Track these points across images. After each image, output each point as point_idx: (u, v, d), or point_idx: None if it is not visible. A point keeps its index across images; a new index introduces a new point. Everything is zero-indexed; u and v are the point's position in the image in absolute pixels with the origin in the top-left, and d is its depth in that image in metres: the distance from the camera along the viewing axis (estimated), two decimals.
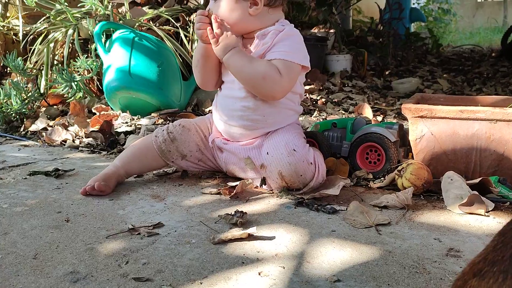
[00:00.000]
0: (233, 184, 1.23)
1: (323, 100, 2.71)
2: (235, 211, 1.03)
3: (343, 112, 2.46)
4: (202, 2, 3.75)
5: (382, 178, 1.30)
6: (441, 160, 1.22)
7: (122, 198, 1.21)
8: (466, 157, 1.19)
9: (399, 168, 1.20)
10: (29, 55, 2.34)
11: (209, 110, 2.21)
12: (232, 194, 1.18)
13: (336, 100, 2.78)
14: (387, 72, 3.98)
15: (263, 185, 1.24)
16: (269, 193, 1.23)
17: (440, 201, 1.14)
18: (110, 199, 1.20)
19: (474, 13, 13.55)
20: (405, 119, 2.34)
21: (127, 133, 1.86)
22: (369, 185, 1.28)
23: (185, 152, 1.33)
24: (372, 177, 1.32)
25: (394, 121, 2.26)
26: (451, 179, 1.12)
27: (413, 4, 7.96)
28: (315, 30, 3.79)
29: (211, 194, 1.22)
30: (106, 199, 1.20)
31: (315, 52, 3.28)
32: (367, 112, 2.28)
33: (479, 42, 9.36)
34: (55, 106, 2.31)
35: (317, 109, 2.50)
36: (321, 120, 2.04)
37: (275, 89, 1.21)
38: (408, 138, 1.45)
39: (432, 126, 1.20)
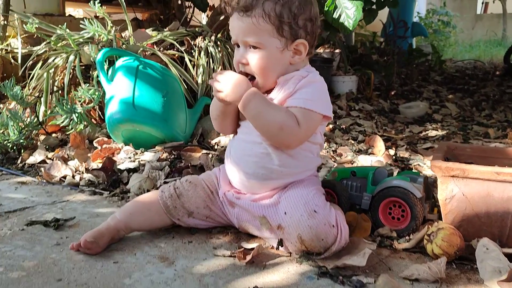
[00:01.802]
0: (248, 246, 1.14)
1: (331, 126, 2.63)
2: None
3: (353, 141, 2.37)
4: (204, 22, 3.69)
5: (408, 238, 1.22)
6: (473, 222, 1.13)
7: (128, 260, 1.11)
8: (501, 221, 1.10)
9: (429, 232, 1.11)
10: (28, 81, 2.25)
11: (215, 143, 2.12)
12: (248, 259, 1.08)
13: (344, 126, 2.69)
14: (392, 93, 3.91)
15: (280, 247, 1.15)
16: (287, 256, 1.14)
17: (475, 272, 1.05)
18: (114, 261, 1.11)
19: (474, 26, 13.57)
20: (417, 151, 2.27)
21: (130, 171, 1.77)
22: (393, 245, 1.20)
23: (192, 208, 1.24)
24: (396, 235, 1.23)
25: (407, 154, 2.18)
26: (487, 248, 1.03)
27: (415, 17, 7.93)
28: (320, 50, 3.72)
29: (225, 257, 1.13)
30: (111, 262, 1.10)
31: (321, 74, 3.20)
32: (379, 145, 2.20)
33: (480, 56, 9.35)
34: (54, 135, 2.21)
35: (325, 137, 2.41)
36: (335, 164, 1.95)
37: (290, 140, 1.15)
38: (433, 191, 1.37)
39: (464, 186, 1.12)
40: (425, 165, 2.02)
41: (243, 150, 1.23)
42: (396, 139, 2.54)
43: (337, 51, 3.78)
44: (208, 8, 3.10)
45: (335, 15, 1.29)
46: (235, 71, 1.20)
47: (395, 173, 1.87)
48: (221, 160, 1.86)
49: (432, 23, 9.84)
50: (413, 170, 1.85)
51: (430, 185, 1.34)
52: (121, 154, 1.92)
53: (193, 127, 2.24)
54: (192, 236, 1.26)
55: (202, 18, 4.25)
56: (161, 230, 1.28)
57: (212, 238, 1.24)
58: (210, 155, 1.93)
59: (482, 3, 15.52)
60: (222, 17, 3.00)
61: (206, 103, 2.38)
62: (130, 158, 1.88)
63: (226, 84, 1.12)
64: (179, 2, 3.45)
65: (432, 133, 2.70)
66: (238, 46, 1.19)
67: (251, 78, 1.18)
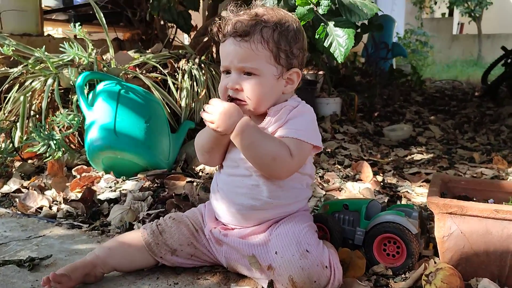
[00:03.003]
0: None
1: None
2: None
3: (339, 166, 2.34)
4: (186, 42, 3.65)
5: (404, 276, 1.17)
6: (471, 261, 1.09)
7: None
8: (500, 260, 1.07)
9: (427, 272, 1.06)
10: (4, 104, 2.15)
11: (200, 170, 2.05)
12: None
13: (329, 150, 2.66)
14: (375, 114, 3.91)
15: None
16: None
17: None
18: None
19: (450, 46, 13.89)
20: (404, 177, 2.24)
21: (111, 201, 1.69)
22: (390, 285, 1.15)
23: (175, 246, 1.18)
24: (391, 273, 1.19)
25: (395, 180, 2.15)
26: None
27: (394, 37, 8.05)
28: (304, 72, 3.71)
29: None
30: None
31: (305, 96, 3.17)
32: (367, 171, 2.16)
33: (457, 75, 9.55)
34: (30, 161, 2.11)
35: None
36: (324, 192, 1.91)
37: (283, 170, 1.11)
38: (427, 225, 1.33)
39: (462, 223, 1.08)
40: (413, 192, 1.99)
41: (232, 183, 1.18)
42: (382, 163, 2.52)
43: (320, 72, 3.78)
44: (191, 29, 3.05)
45: (326, 43, 1.25)
46: (219, 97, 1.15)
47: (386, 200, 1.85)
48: (206, 189, 1.80)
49: (410, 43, 10.02)
50: (405, 202, 1.82)
51: (424, 218, 1.30)
52: (101, 183, 1.84)
53: (177, 153, 2.17)
54: (177, 276, 1.18)
55: (184, 38, 4.21)
56: (145, 270, 1.21)
57: (200, 278, 1.18)
58: (195, 184, 1.86)
59: (458, 24, 15.94)
60: (205, 39, 2.96)
61: (189, 127, 2.33)
62: (110, 187, 1.80)
63: (217, 114, 1.07)
64: (162, 22, 3.41)
65: (418, 156, 2.69)
66: (227, 73, 1.15)
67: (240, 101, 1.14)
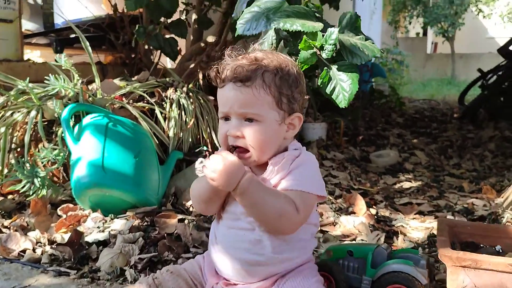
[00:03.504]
0: None
1: None
2: None
3: (330, 197, 2.30)
4: (169, 66, 3.58)
5: None
6: None
7: None
8: None
9: None
10: None
11: (191, 205, 1.98)
12: None
13: None
14: (360, 137, 3.92)
15: None
16: None
17: None
18: None
19: (424, 65, 14.22)
20: (397, 209, 2.23)
21: (99, 243, 1.60)
22: None
23: None
24: None
25: (388, 213, 2.13)
26: None
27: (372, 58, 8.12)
28: None
29: None
30: None
31: None
32: (360, 203, 2.14)
33: (433, 94, 9.76)
34: (10, 196, 2.01)
35: None
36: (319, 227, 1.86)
37: (289, 226, 1.06)
38: (434, 272, 1.30)
39: (476, 277, 1.05)
40: (408, 226, 1.97)
41: (233, 237, 1.12)
42: (372, 192, 2.50)
43: (306, 97, 3.76)
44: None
45: (329, 88, 1.22)
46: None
47: (383, 237, 1.81)
48: (199, 228, 1.73)
49: (387, 62, 10.20)
50: (402, 238, 1.79)
51: (431, 266, 1.27)
52: (89, 222, 1.76)
53: (165, 186, 2.10)
54: None
55: (167, 61, 4.15)
56: None
57: None
58: (187, 221, 1.79)
59: (432, 43, 16.36)
60: (192, 65, 2.92)
61: (178, 157, 2.26)
62: (98, 227, 1.71)
63: (218, 172, 1.01)
64: (146, 47, 3.34)
65: (406, 184, 2.69)
66: (226, 119, 1.10)
67: (242, 150, 1.09)
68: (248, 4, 1.47)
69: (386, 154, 3.25)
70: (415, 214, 2.15)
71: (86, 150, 1.81)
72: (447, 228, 1.25)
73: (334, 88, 1.21)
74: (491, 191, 2.41)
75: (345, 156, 3.24)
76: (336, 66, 1.20)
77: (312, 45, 1.19)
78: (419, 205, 2.27)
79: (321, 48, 1.19)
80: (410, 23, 14.29)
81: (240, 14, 1.44)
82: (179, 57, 3.07)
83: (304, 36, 1.25)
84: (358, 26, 1.38)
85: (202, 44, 3.00)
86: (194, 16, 2.98)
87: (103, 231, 1.69)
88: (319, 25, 1.25)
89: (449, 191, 2.53)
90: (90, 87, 2.21)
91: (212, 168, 1.01)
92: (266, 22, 1.32)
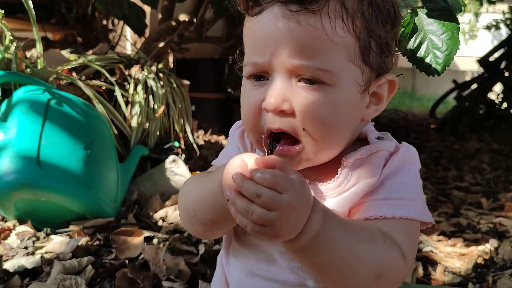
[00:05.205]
0: None
1: None
2: None
3: None
4: (129, 47, 3.05)
5: None
6: None
7: None
8: None
9: None
10: None
11: (161, 218, 1.48)
12: None
13: None
14: None
15: None
16: None
17: None
18: None
19: None
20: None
21: (26, 274, 1.07)
22: None
23: None
24: None
25: None
26: None
27: None
28: None
29: None
30: None
31: None
32: None
33: (397, 106, 9.71)
34: None
35: None
36: None
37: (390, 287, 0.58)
38: None
39: None
40: (439, 252, 1.58)
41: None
42: None
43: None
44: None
45: (413, 44, 0.76)
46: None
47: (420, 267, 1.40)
48: (173, 251, 1.23)
49: None
50: (441, 269, 1.40)
51: None
52: (12, 239, 1.22)
53: (125, 190, 1.59)
54: None
55: (127, 45, 3.58)
56: None
57: None
58: (156, 241, 1.29)
59: None
60: (161, 44, 2.42)
61: (142, 154, 1.77)
62: (26, 248, 1.18)
63: (280, 208, 0.49)
64: (104, 22, 2.80)
65: None
66: (259, 78, 0.61)
67: (290, 141, 0.60)
68: None
69: None
70: (438, 235, 1.77)
71: (16, 134, 1.29)
72: None
73: (419, 44, 0.76)
74: None
75: None
76: (425, 11, 0.75)
77: None
78: (438, 223, 1.90)
79: None
80: None
81: None
82: (147, 37, 2.55)
83: None
84: None
85: (174, 23, 2.51)
86: None
87: (32, 254, 1.16)
88: None
89: (463, 207, 2.18)
90: (28, 54, 1.66)
91: (267, 197, 0.48)
92: None
